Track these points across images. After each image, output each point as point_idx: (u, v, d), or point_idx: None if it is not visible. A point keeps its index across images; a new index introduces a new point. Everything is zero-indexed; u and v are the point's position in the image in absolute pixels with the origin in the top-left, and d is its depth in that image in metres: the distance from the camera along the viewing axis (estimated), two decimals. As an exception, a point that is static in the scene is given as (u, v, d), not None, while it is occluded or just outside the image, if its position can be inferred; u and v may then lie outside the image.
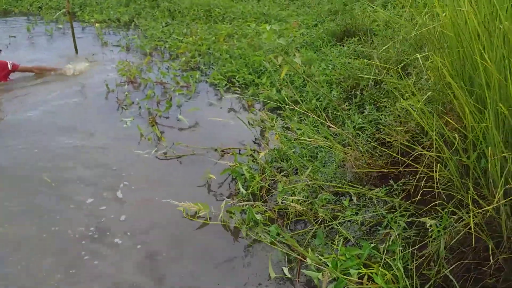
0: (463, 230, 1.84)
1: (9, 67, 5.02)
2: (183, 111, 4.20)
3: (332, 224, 2.38)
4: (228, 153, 3.36)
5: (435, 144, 1.96)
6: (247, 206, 2.58)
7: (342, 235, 2.29)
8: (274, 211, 2.64)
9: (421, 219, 2.02)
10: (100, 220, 2.68)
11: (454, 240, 1.87)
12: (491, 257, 1.71)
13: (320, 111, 3.47)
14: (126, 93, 4.56)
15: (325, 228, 2.43)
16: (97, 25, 7.37)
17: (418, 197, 2.12)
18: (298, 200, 2.46)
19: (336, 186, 2.65)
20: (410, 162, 2.24)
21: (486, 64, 1.55)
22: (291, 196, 2.57)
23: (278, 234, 2.40)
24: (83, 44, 6.26)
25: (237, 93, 4.53)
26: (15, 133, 3.80)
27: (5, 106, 4.43)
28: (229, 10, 7.53)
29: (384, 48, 3.59)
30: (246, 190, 2.80)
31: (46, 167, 3.24)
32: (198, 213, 2.64)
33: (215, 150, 3.39)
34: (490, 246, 1.75)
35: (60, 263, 2.35)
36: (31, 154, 3.43)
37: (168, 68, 5.31)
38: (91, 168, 3.24)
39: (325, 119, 3.19)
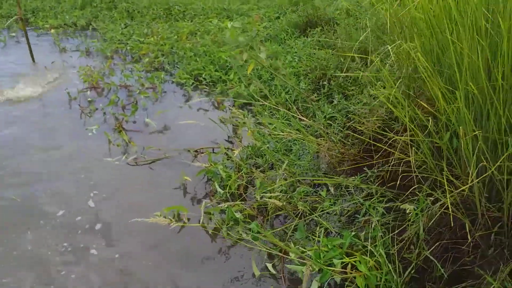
0: (440, 210, 1.88)
1: None
2: (150, 113, 4.10)
3: (312, 217, 2.39)
4: (202, 153, 3.30)
5: (408, 129, 1.98)
6: (226, 206, 2.55)
7: (322, 226, 2.30)
8: (254, 208, 2.62)
9: (400, 206, 2.05)
10: (74, 232, 2.58)
11: (432, 221, 1.91)
12: (468, 235, 1.75)
13: (290, 104, 3.47)
14: (89, 99, 4.42)
15: (305, 221, 2.43)
16: (52, 30, 7.08)
17: (395, 182, 2.15)
18: (277, 196, 2.44)
19: (313, 178, 2.66)
20: (384, 147, 2.27)
21: (457, 43, 1.57)
22: (270, 192, 2.55)
23: (259, 232, 2.38)
24: (39, 51, 6.01)
25: (206, 91, 4.47)
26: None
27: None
28: (189, 7, 7.42)
29: (358, 39, 3.60)
30: (223, 190, 2.76)
31: (11, 183, 3.09)
32: (174, 219, 2.59)
33: (188, 151, 3.33)
34: (466, 224, 1.79)
35: (37, 281, 2.25)
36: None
37: (131, 70, 5.17)
38: (58, 180, 3.11)
39: (296, 112, 3.19)
